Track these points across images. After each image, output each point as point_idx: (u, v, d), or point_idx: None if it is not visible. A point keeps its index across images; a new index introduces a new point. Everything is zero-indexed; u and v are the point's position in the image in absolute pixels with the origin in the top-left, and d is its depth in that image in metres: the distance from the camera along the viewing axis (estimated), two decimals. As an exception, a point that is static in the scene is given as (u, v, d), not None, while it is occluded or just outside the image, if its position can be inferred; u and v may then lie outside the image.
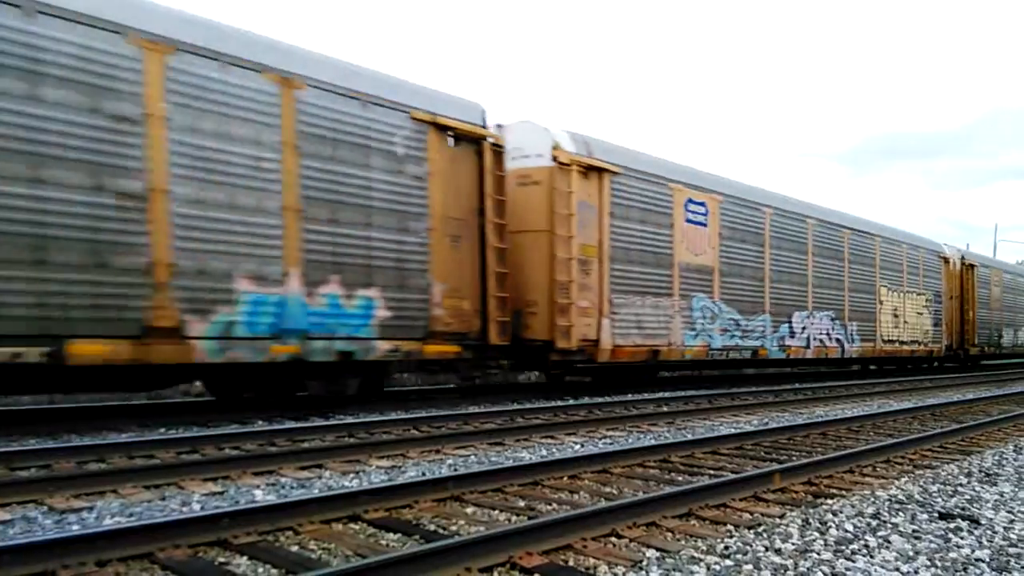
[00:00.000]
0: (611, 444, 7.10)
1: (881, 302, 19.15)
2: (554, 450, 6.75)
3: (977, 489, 5.11)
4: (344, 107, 8.88)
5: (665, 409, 9.93)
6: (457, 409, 9.44)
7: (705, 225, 13.61)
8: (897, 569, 3.33)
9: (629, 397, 11.54)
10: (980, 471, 5.79)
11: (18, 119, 6.62)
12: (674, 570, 3.25)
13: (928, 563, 3.44)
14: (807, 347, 16.35)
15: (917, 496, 4.81)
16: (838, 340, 17.43)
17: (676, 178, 13.13)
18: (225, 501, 4.58)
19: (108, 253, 7.08)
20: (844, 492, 4.96)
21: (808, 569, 3.28)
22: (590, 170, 11.46)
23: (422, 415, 8.62)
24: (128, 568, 3.25)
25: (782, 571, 3.26)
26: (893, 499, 4.70)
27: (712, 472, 5.66)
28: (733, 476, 4.94)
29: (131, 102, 7.29)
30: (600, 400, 10.96)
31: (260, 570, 3.29)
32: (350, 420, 7.95)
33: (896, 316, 19.76)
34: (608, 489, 5.04)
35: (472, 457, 6.28)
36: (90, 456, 5.83)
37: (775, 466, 5.35)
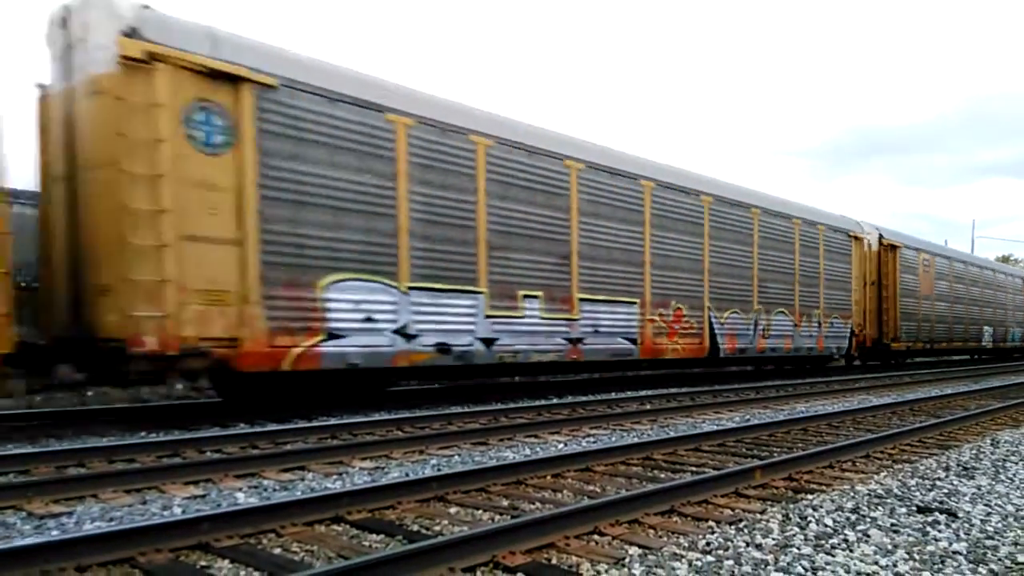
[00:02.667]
0: (594, 443, 7.13)
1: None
2: (538, 449, 6.77)
3: (955, 483, 5.19)
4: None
5: (648, 407, 9.97)
6: (441, 409, 9.44)
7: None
8: (876, 563, 3.37)
9: (613, 396, 11.61)
10: (958, 465, 5.87)
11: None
12: (656, 567, 3.27)
13: (906, 556, 3.48)
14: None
15: (896, 490, 4.87)
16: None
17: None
18: (207, 504, 4.56)
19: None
20: (824, 487, 5.01)
21: (788, 564, 3.32)
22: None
23: (406, 416, 8.61)
24: (109, 573, 3.23)
25: (763, 566, 3.29)
26: (872, 493, 4.75)
27: (694, 469, 5.70)
28: (715, 473, 4.97)
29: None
30: (584, 399, 11.02)
31: (242, 573, 3.28)
32: (333, 422, 7.92)
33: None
34: (591, 487, 5.06)
35: (456, 457, 6.28)
36: (70, 460, 5.77)
37: (756, 462, 5.40)
